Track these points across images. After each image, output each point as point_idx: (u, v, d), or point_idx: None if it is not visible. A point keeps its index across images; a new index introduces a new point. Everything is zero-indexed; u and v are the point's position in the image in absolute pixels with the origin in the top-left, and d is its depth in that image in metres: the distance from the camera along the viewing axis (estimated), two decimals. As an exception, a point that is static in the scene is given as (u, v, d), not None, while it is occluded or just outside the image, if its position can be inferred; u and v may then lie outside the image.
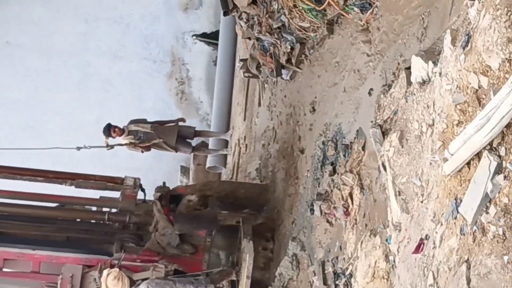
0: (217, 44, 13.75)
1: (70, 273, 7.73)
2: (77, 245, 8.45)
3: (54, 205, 9.03)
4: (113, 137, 9.91)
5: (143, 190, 9.08)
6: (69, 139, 13.04)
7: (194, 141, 10.96)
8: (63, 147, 9.57)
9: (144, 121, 10.08)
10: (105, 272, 6.18)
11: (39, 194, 8.89)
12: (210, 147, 12.07)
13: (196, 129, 10.82)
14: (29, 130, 14.00)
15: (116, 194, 9.13)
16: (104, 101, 14.31)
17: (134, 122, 10.05)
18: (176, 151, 10.39)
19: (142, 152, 10.09)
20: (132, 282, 6.16)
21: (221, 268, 8.39)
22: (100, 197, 9.25)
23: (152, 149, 10.16)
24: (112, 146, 9.91)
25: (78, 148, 9.60)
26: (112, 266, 7.75)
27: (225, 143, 12.07)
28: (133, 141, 9.85)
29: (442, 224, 3.97)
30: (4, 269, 8.31)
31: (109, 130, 9.84)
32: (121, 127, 9.96)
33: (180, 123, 10.41)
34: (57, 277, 7.85)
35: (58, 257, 8.19)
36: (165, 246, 8.35)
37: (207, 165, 12.40)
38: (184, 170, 13.89)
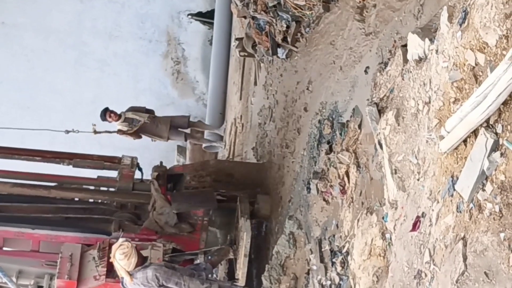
0: (212, 23, 13.70)
1: (69, 252, 7.75)
2: (76, 224, 8.48)
3: (52, 185, 9.05)
4: (109, 122, 9.99)
5: (140, 169, 9.10)
6: (66, 119, 13.07)
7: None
8: (52, 129, 9.60)
9: (142, 110, 10.16)
10: (120, 240, 6.01)
11: (37, 174, 8.90)
12: (205, 136, 12.19)
13: (190, 119, 10.95)
14: (26, 110, 13.99)
15: (113, 174, 9.16)
16: (100, 80, 14.30)
17: (132, 109, 10.12)
18: (167, 140, 10.52)
19: (134, 139, 10.20)
20: (141, 258, 6.03)
21: (219, 246, 8.43)
22: (98, 176, 9.27)
23: (143, 136, 10.26)
24: (99, 132, 9.97)
25: (67, 132, 9.66)
26: (111, 246, 7.75)
27: (220, 136, 12.17)
28: (124, 128, 9.95)
29: (438, 202, 3.98)
30: (4, 248, 8.34)
31: (105, 114, 9.90)
32: (118, 112, 10.02)
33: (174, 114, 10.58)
34: (57, 255, 7.88)
35: (57, 236, 8.22)
36: (163, 225, 8.38)
37: (204, 144, 12.43)
38: (181, 150, 13.91)
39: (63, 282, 7.47)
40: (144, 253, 7.84)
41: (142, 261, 6.03)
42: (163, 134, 10.21)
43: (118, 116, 9.97)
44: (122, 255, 5.90)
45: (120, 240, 6.06)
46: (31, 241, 8.27)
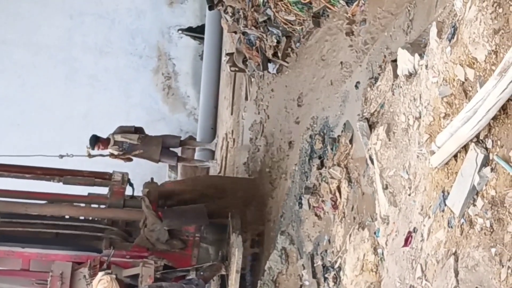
0: (203, 38, 13.71)
1: (60, 270, 7.72)
2: (66, 242, 8.43)
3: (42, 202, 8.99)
4: (98, 150, 10.03)
5: (131, 185, 9.07)
6: (57, 135, 13.02)
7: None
8: (46, 154, 9.60)
9: (130, 130, 10.15)
10: (98, 275, 6.07)
11: (27, 192, 8.86)
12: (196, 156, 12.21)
13: (181, 139, 10.96)
14: (16, 127, 13.93)
15: (104, 190, 9.11)
16: (91, 96, 14.26)
17: (121, 131, 10.10)
18: (158, 163, 10.56)
19: (125, 162, 10.21)
20: (124, 286, 6.06)
21: (211, 262, 8.39)
22: (89, 193, 9.23)
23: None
24: (93, 156, 10.00)
25: (61, 156, 9.66)
26: (102, 263, 7.74)
27: (211, 152, 12.19)
28: (115, 152, 9.96)
29: (429, 217, 3.98)
30: (-7, 267, 8.30)
31: (94, 143, 9.94)
32: (106, 136, 10.04)
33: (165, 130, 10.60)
34: (47, 274, 7.83)
35: (47, 254, 8.17)
36: (154, 242, 8.34)
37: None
38: (172, 166, 13.87)
39: (54, 300, 7.43)
40: (136, 270, 7.82)
41: None
42: (154, 156, 10.24)
43: (107, 141, 10.01)
44: None
45: (99, 274, 6.08)
46: (21, 259, 8.21)
